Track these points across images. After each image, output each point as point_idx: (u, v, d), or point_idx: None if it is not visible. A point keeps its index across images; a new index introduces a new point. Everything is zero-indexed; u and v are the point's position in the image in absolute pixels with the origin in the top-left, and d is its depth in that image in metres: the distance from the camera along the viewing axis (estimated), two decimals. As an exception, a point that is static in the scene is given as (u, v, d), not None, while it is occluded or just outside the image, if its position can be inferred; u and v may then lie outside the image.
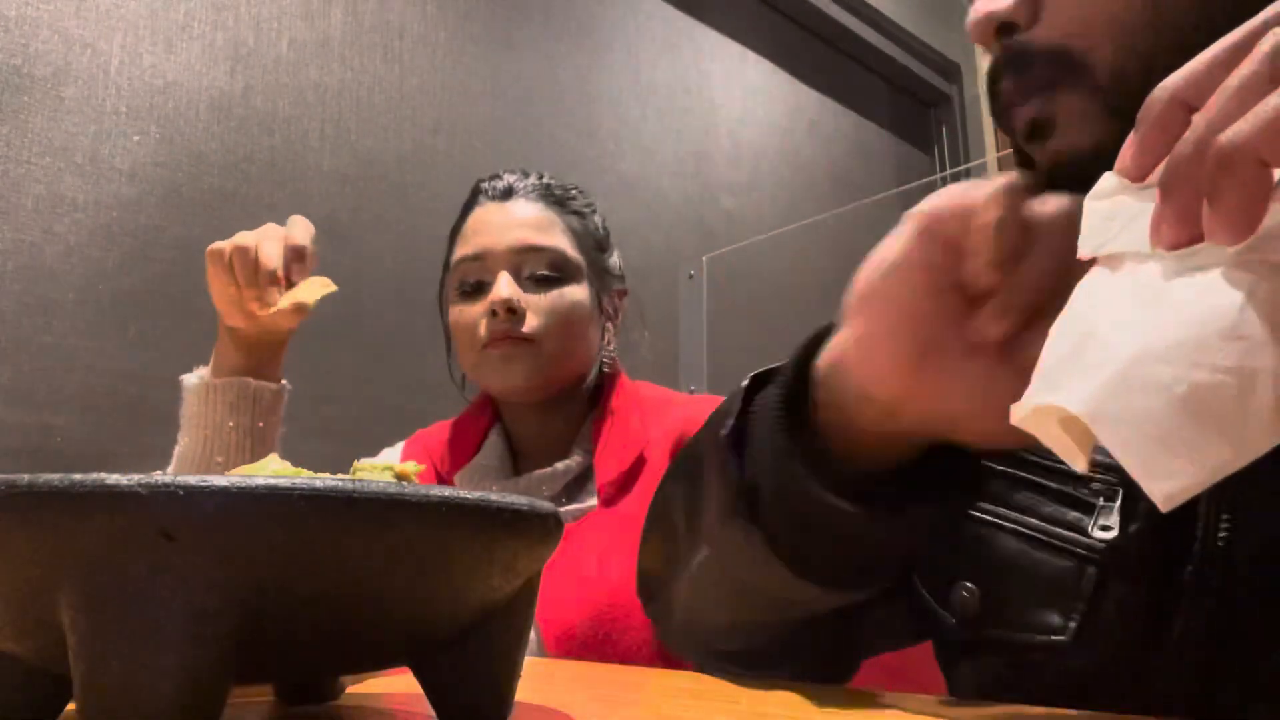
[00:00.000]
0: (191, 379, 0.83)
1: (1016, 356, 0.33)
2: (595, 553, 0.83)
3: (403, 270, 1.42)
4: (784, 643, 0.51)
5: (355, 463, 0.40)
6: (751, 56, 2.18)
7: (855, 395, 0.38)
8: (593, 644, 0.80)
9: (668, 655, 0.79)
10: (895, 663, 0.63)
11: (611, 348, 1.01)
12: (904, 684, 0.51)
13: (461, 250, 0.94)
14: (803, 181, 2.25)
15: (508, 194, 0.96)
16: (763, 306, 2.03)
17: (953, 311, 0.35)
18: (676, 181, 1.93)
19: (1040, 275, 0.33)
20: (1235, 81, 0.25)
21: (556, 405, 0.96)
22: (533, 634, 0.83)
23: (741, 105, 2.13)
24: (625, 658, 0.80)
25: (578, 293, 0.94)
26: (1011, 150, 0.50)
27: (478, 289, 0.92)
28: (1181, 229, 0.25)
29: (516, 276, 0.91)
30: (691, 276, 1.86)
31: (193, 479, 0.24)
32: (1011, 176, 0.34)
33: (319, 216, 1.35)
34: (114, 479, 0.23)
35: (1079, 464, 0.27)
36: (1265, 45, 0.24)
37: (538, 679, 0.50)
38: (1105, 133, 0.44)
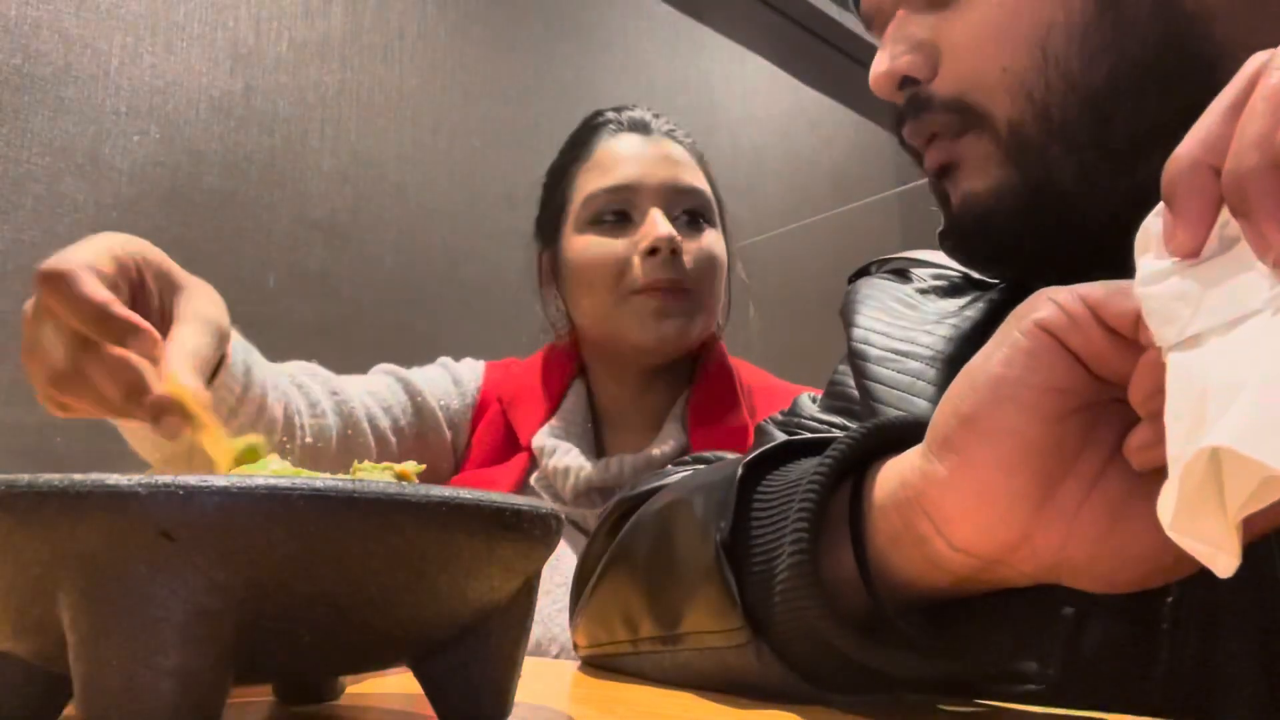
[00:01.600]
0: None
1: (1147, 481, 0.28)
2: None
3: (403, 270, 1.43)
4: None
5: (355, 463, 0.40)
6: (751, 56, 2.18)
7: (946, 545, 0.31)
8: None
9: None
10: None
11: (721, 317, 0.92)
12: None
13: (599, 180, 0.85)
14: (803, 182, 2.25)
15: (645, 128, 0.89)
16: (763, 306, 2.03)
17: (1076, 440, 0.29)
18: (676, 181, 1.93)
19: None
20: (1258, 117, 0.23)
21: (664, 371, 0.88)
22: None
23: (741, 105, 2.13)
24: None
25: (720, 241, 0.88)
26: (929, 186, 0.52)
27: (620, 220, 0.84)
28: (1198, 233, 0.25)
29: (666, 215, 0.84)
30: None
31: (193, 479, 0.24)
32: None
33: (319, 216, 1.35)
34: (114, 479, 0.23)
35: (1226, 565, 0.25)
36: (1272, 79, 0.24)
37: (538, 679, 0.50)
38: (1002, 175, 0.46)
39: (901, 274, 0.61)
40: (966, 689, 0.41)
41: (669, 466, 0.59)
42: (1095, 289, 0.28)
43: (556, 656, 0.83)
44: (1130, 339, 0.28)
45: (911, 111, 0.49)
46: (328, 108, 1.39)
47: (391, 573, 0.26)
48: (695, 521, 0.40)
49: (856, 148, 2.46)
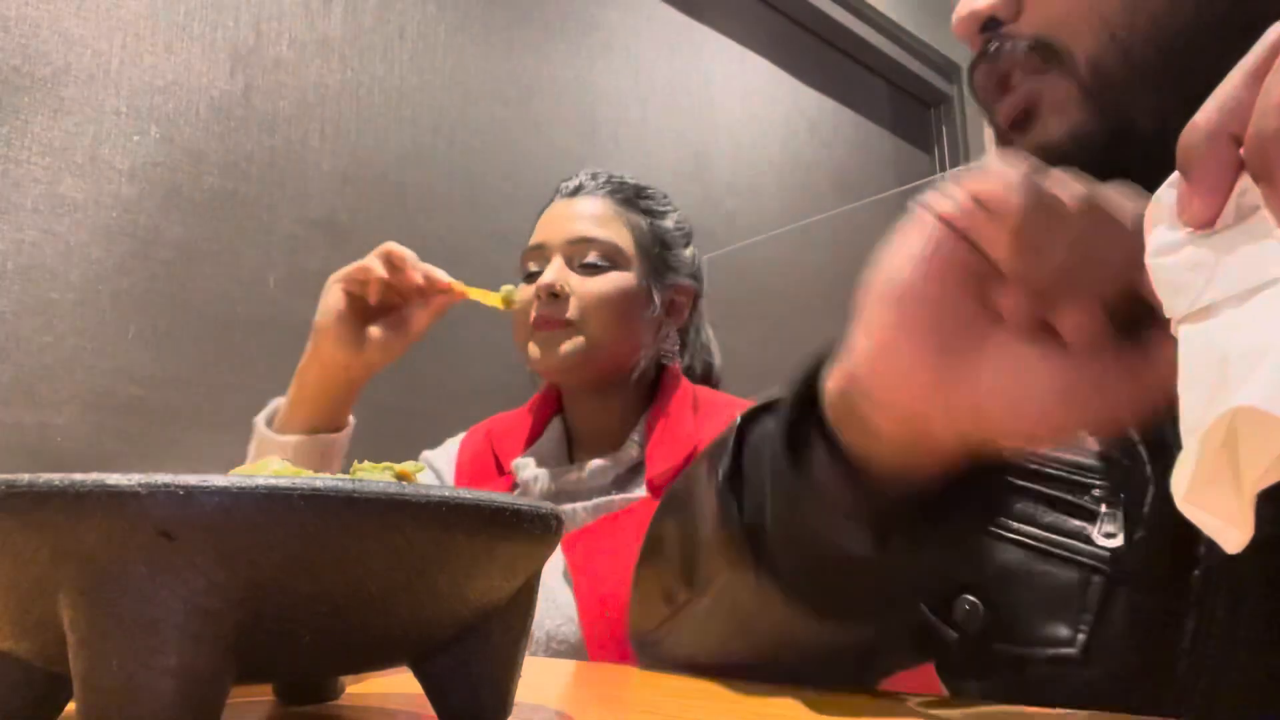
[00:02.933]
0: (263, 426, 0.84)
1: (1045, 343, 0.32)
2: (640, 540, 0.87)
3: (403, 270, 1.42)
4: (796, 674, 0.48)
5: (355, 463, 0.40)
6: (752, 57, 2.18)
7: (878, 405, 0.35)
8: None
9: None
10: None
11: (670, 344, 1.05)
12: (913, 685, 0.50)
13: (529, 242, 1.02)
14: (803, 182, 2.25)
15: (577, 191, 1.03)
16: (763, 307, 2.03)
17: (974, 304, 0.34)
18: (677, 182, 1.93)
19: (1062, 255, 0.32)
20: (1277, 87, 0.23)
21: (611, 395, 1.00)
22: (572, 612, 0.85)
23: (741, 105, 2.13)
24: None
25: (625, 280, 0.98)
26: (996, 139, 0.51)
27: (535, 276, 0.98)
28: (1214, 201, 0.25)
29: (570, 265, 0.97)
30: (696, 269, 1.86)
31: (193, 479, 0.24)
32: (1019, 161, 0.33)
33: (319, 216, 1.35)
34: (114, 479, 0.23)
35: (1236, 540, 0.25)
36: None
37: (538, 679, 0.50)
38: (1082, 118, 0.45)
39: None
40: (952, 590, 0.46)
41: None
42: (979, 176, 0.33)
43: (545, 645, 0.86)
44: (1000, 213, 0.31)
45: (990, 53, 0.48)
46: (328, 108, 1.39)
47: (391, 573, 0.26)
48: (703, 478, 0.44)
49: (856, 148, 2.46)
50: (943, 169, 2.66)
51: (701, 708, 0.39)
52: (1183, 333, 0.26)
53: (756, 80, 2.18)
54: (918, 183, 2.53)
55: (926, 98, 2.71)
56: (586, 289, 0.96)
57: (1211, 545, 0.39)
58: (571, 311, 0.95)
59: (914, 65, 2.60)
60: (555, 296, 0.95)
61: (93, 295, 1.12)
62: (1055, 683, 0.43)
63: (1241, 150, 0.24)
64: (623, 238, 1.00)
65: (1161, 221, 0.27)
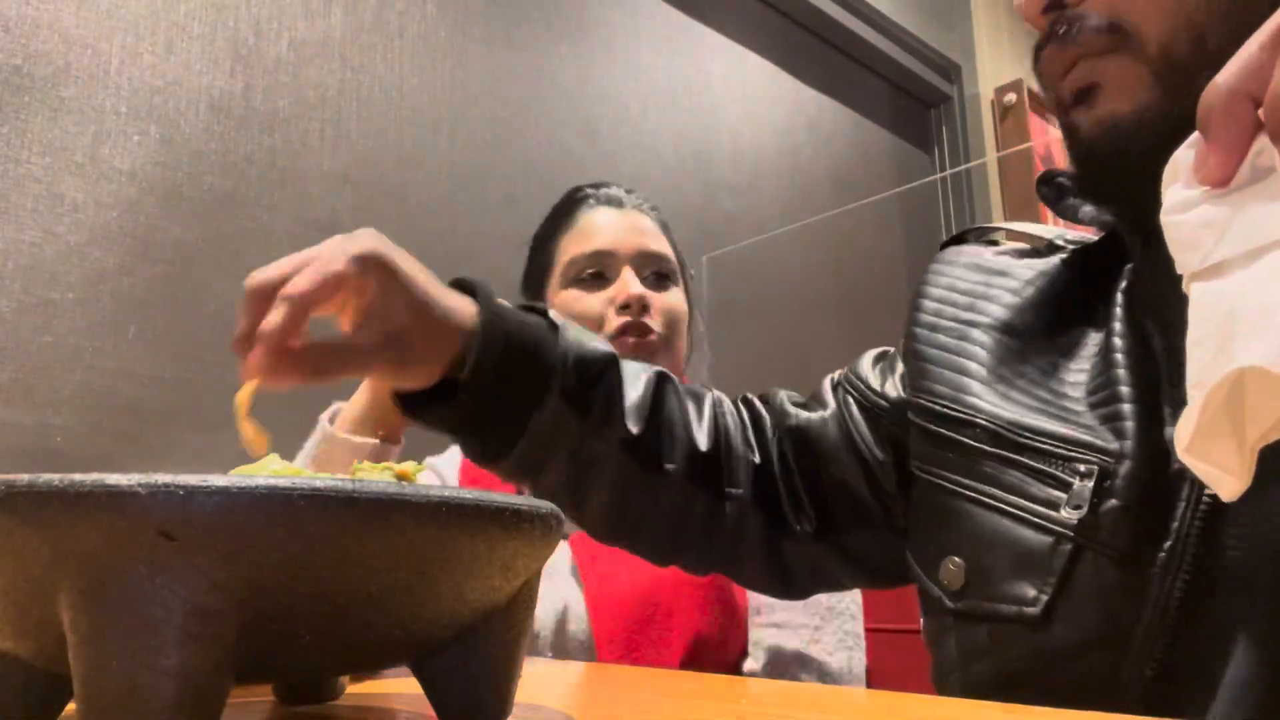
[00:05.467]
0: (327, 424, 0.86)
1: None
2: None
3: (403, 270, 1.42)
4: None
5: (355, 463, 0.40)
6: (751, 56, 2.18)
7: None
8: (643, 621, 0.85)
9: (717, 640, 0.83)
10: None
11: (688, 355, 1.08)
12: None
13: (580, 246, 1.01)
14: (803, 181, 2.25)
15: (619, 203, 1.05)
16: (763, 306, 2.03)
17: None
18: (677, 181, 1.93)
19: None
20: None
21: None
22: (581, 612, 0.86)
23: (741, 105, 2.13)
24: (673, 639, 0.84)
25: (682, 297, 1.03)
26: (1057, 118, 0.51)
27: (597, 279, 0.99)
28: (1230, 159, 0.25)
29: (636, 276, 1.00)
30: (692, 276, 1.86)
31: (193, 479, 0.24)
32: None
33: (319, 216, 1.35)
34: (114, 479, 0.23)
35: (1233, 488, 0.26)
36: None
37: (538, 679, 0.50)
38: (1149, 98, 0.45)
39: (990, 240, 0.64)
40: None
41: None
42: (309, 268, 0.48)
43: (537, 635, 0.87)
44: None
45: (1057, 35, 0.48)
46: (328, 108, 1.39)
47: (391, 573, 0.26)
48: None
49: (856, 148, 2.46)
50: (942, 169, 2.66)
51: (701, 708, 0.39)
52: (1194, 290, 0.26)
53: (756, 80, 2.18)
54: (917, 182, 2.53)
55: (926, 98, 2.71)
56: (665, 303, 0.99)
57: (1185, 520, 0.41)
58: (657, 325, 0.97)
59: (914, 65, 2.59)
60: (645, 309, 0.96)
61: (93, 295, 1.12)
62: (1018, 641, 0.45)
63: (1260, 111, 0.25)
64: (673, 254, 1.04)
65: (1177, 180, 0.27)
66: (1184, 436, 0.25)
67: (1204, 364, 0.25)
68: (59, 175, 1.11)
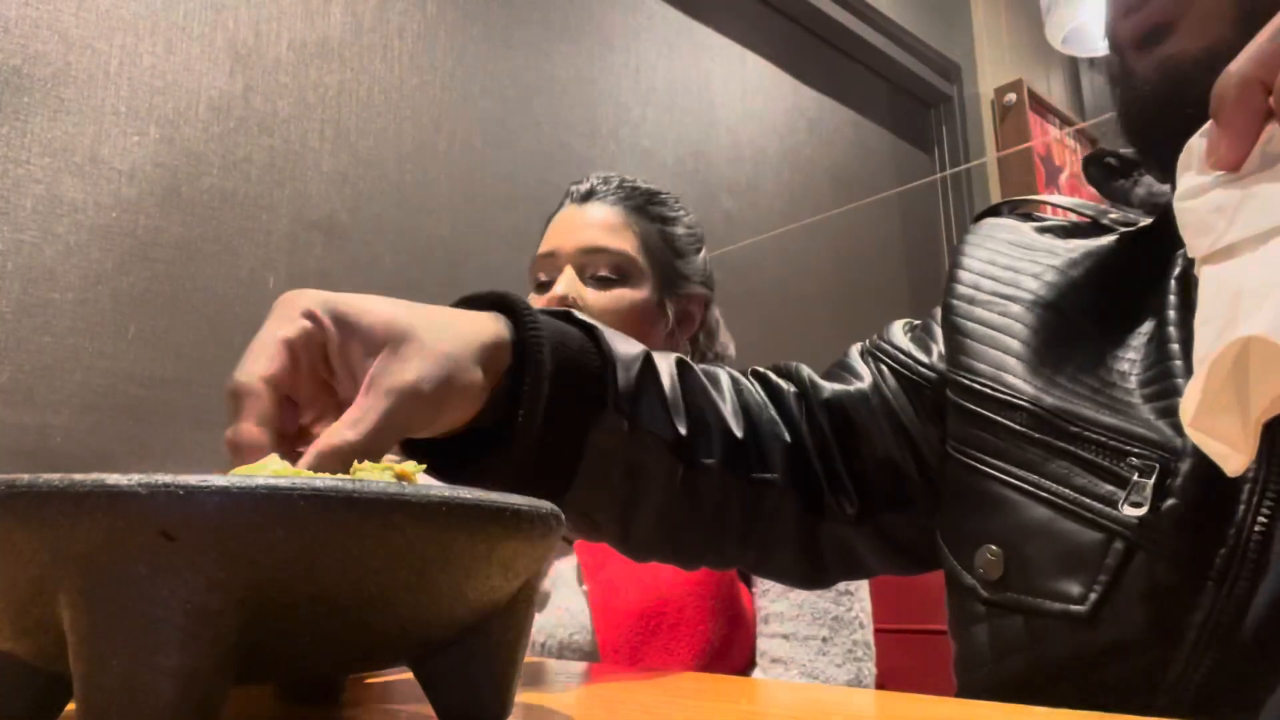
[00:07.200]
0: None
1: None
2: None
3: (403, 270, 1.42)
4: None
5: (355, 463, 0.40)
6: (751, 56, 2.18)
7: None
8: (650, 633, 0.85)
9: (724, 651, 0.83)
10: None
11: (682, 351, 1.03)
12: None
13: (539, 249, 1.01)
14: (803, 181, 2.25)
15: (588, 196, 1.02)
16: (763, 306, 2.03)
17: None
18: (676, 181, 1.93)
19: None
20: None
21: None
22: (585, 621, 0.85)
23: (741, 105, 2.13)
24: (680, 649, 0.85)
25: (637, 295, 0.98)
26: (1108, 67, 0.50)
27: (546, 285, 0.98)
28: (1242, 145, 0.26)
29: (581, 275, 0.97)
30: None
31: (193, 479, 0.24)
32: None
33: (319, 216, 1.35)
34: (114, 479, 0.23)
35: (1238, 464, 0.26)
36: None
37: (538, 679, 0.50)
38: (1225, 33, 0.44)
39: (1027, 215, 0.61)
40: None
41: None
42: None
43: (543, 645, 0.86)
44: None
45: None
46: (328, 108, 1.39)
47: (391, 573, 0.26)
48: None
49: (856, 148, 2.46)
50: (942, 169, 2.66)
51: (701, 708, 0.39)
52: (1204, 272, 0.27)
53: (756, 80, 2.18)
54: (917, 182, 2.53)
55: (926, 98, 2.71)
56: (601, 302, 0.95)
57: (1243, 527, 0.39)
58: None
59: (914, 65, 2.59)
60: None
61: (93, 295, 1.12)
62: (1059, 638, 0.43)
63: (1271, 99, 0.25)
64: (634, 247, 0.99)
65: (1190, 168, 0.28)
66: (1189, 409, 0.26)
67: (1210, 339, 0.26)
68: (59, 175, 1.11)
